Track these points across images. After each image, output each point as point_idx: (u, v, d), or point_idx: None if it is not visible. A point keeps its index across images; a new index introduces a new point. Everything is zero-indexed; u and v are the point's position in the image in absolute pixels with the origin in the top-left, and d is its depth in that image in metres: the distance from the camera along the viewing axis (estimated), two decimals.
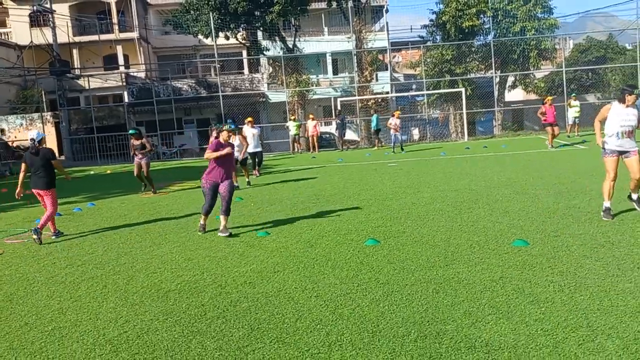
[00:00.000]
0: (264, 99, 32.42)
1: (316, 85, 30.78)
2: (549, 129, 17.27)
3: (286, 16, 28.25)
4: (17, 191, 8.03)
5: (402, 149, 20.30)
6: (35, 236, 7.60)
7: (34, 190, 7.99)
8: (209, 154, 7.36)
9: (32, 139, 8.00)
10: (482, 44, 28.57)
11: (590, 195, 8.40)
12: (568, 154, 15.42)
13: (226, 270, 5.70)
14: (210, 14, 26.75)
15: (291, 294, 4.77)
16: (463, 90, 25.82)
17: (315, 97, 30.57)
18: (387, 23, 34.58)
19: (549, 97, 18.68)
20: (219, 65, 29.83)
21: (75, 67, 34.69)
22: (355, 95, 28.32)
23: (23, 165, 8.07)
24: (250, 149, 13.75)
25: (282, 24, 29.97)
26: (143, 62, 36.50)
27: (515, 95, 34.20)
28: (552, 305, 4.09)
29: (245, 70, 37.04)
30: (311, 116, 24.47)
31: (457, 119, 28.28)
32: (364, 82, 28.88)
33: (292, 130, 24.29)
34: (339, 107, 25.68)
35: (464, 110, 25.50)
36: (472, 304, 4.24)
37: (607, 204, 6.92)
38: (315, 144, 23.83)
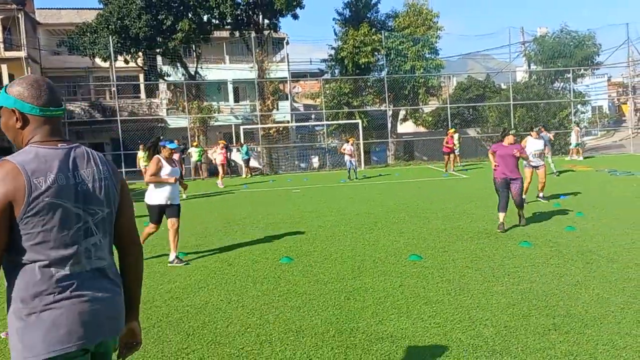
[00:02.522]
0: (162, 124, 32.04)
1: (218, 112, 31.08)
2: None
3: (189, 43, 28.48)
4: None
5: (356, 176, 19.96)
6: None
7: None
8: (491, 156, 8.72)
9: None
10: (377, 79, 30.68)
11: (472, 218, 9.67)
12: (452, 182, 17.11)
13: (151, 288, 6.02)
14: (110, 37, 26.30)
15: (218, 305, 5.24)
16: (360, 121, 27.57)
17: (216, 124, 30.84)
18: (287, 55, 35.89)
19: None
20: (115, 89, 29.20)
21: None
22: (257, 124, 29.05)
23: None
24: None
25: (184, 50, 30.10)
26: None
27: (407, 127, 36.78)
28: (441, 305, 4.95)
29: (143, 95, 36.39)
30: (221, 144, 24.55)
31: (354, 148, 29.89)
32: (266, 110, 29.69)
33: (194, 157, 24.34)
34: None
35: (361, 141, 27.14)
36: (378, 307, 4.98)
37: (524, 196, 9.86)
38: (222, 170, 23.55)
